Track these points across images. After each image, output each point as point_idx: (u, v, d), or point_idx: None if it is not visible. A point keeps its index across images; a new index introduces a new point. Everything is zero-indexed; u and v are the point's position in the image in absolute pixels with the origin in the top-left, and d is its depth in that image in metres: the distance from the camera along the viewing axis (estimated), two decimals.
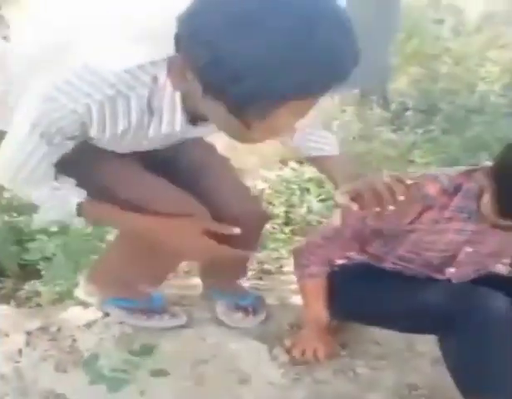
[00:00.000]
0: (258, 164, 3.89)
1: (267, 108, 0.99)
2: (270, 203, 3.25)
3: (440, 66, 6.21)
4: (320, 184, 3.47)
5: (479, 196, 1.57)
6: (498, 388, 1.53)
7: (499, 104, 4.67)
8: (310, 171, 3.66)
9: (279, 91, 0.95)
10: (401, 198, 1.41)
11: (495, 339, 1.52)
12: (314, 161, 1.80)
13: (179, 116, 1.31)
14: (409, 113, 4.76)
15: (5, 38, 1.53)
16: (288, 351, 1.96)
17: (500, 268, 2.00)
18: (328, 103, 5.06)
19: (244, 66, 0.93)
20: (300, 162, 3.93)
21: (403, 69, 6.36)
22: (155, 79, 1.25)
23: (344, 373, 1.92)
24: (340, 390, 1.85)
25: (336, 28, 0.96)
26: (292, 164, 3.82)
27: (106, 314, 2.07)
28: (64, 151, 1.40)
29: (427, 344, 1.95)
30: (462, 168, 1.68)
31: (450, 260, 1.75)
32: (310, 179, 3.53)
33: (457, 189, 1.60)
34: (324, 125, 4.38)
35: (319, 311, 1.92)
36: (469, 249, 1.70)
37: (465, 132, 4.17)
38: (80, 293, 2.10)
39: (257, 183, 3.46)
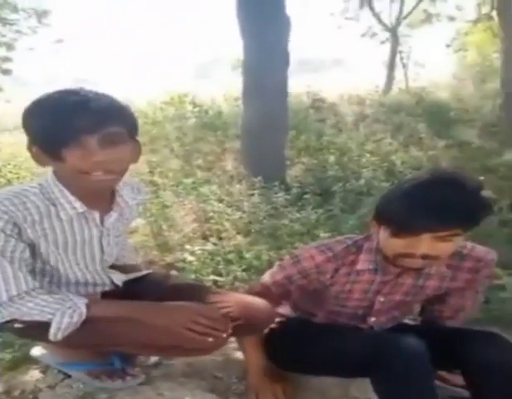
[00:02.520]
0: (182, 240, 3.93)
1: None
2: (199, 273, 3.26)
3: (327, 157, 6.56)
4: (240, 255, 3.53)
5: (378, 251, 1.78)
6: None
7: (382, 187, 4.97)
8: (229, 245, 3.75)
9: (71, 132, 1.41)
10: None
11: (413, 373, 1.59)
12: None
13: (73, 199, 1.59)
14: (307, 196, 4.95)
15: None
16: None
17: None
18: (237, 188, 5.23)
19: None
20: (220, 238, 4.02)
21: (297, 160, 6.69)
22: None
23: None
24: None
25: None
26: (213, 239, 3.89)
27: (67, 375, 1.99)
28: (22, 254, 1.55)
29: (360, 389, 2.00)
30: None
31: (369, 310, 1.91)
32: (230, 252, 3.58)
33: (360, 248, 1.83)
34: (237, 206, 4.55)
35: (257, 357, 1.99)
36: (381, 299, 1.88)
37: (358, 210, 4.41)
38: (37, 353, 2.01)
39: (186, 256, 3.46)
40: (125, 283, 1.93)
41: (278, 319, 2.04)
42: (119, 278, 1.91)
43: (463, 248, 1.83)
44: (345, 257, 1.81)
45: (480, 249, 1.86)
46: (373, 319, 1.94)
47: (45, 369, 2.04)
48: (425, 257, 1.62)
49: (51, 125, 1.41)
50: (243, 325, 1.72)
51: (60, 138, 1.42)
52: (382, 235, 1.69)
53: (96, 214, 1.67)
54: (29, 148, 1.52)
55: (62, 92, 1.47)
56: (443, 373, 2.00)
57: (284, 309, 2.08)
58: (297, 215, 4.42)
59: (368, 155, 6.47)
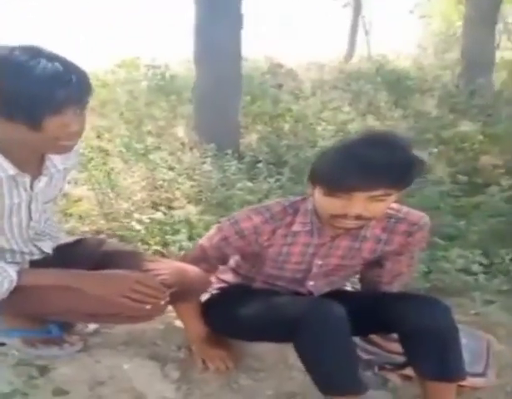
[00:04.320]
0: (130, 209, 3.94)
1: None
2: (146, 242, 3.30)
3: (282, 124, 6.62)
4: (190, 225, 3.58)
5: (313, 212, 1.86)
6: (335, 380, 1.68)
7: None
8: (178, 214, 3.79)
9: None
10: None
11: (333, 341, 1.67)
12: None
13: (4, 160, 1.57)
14: (260, 165, 5.00)
15: None
16: (204, 367, 2.06)
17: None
18: (188, 155, 5.25)
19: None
20: (169, 207, 4.06)
21: (251, 127, 6.72)
22: None
23: (230, 386, 2.01)
24: None
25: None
26: (163, 208, 3.92)
27: (1, 343, 2.02)
28: None
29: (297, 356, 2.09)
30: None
31: (307, 274, 2.00)
32: (180, 221, 3.63)
33: (296, 210, 1.90)
34: (188, 174, 4.57)
35: (197, 325, 2.08)
36: (319, 262, 1.97)
37: None
38: None
39: (133, 225, 3.49)
40: (57, 251, 1.96)
41: (218, 285, 2.13)
42: (48, 246, 1.93)
43: (398, 211, 1.91)
44: (282, 218, 1.88)
45: (415, 213, 1.95)
46: (311, 283, 2.02)
47: None
48: (358, 217, 1.69)
49: (32, 95, 1.37)
50: (178, 292, 1.78)
51: (43, 109, 1.41)
52: (317, 195, 1.75)
53: (27, 178, 1.66)
54: None
55: (25, 54, 1.40)
56: (379, 339, 2.12)
57: (226, 276, 2.16)
58: (249, 185, 4.48)
59: (324, 124, 6.55)
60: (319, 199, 1.74)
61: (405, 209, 1.94)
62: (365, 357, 2.13)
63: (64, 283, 1.65)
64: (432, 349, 1.76)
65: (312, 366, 1.73)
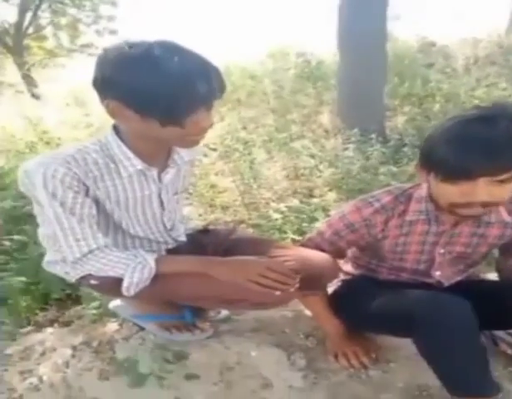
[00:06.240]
0: (272, 198, 4.00)
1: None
2: (284, 231, 3.32)
3: (432, 105, 6.33)
4: (326, 211, 3.55)
5: (428, 199, 1.70)
6: (462, 382, 1.56)
7: None
8: (315, 202, 3.77)
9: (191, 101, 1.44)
10: None
11: (456, 339, 1.53)
12: None
13: (133, 156, 1.66)
14: (406, 148, 4.83)
15: None
16: (336, 361, 2.01)
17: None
18: (332, 142, 5.21)
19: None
20: (311, 195, 4.06)
21: (399, 109, 6.51)
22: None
23: (358, 376, 1.95)
24: (355, 391, 1.88)
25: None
26: (304, 197, 3.93)
27: (141, 328, 2.15)
28: (90, 210, 1.63)
29: None
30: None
31: (431, 263, 1.86)
32: (316, 209, 3.61)
33: (409, 197, 1.74)
34: (330, 162, 4.54)
35: (330, 319, 2.02)
36: (441, 250, 1.81)
37: None
38: (114, 305, 2.19)
39: (271, 214, 3.53)
40: (190, 240, 2.03)
41: (342, 277, 2.08)
42: (182, 235, 2.01)
43: None
44: (394, 208, 1.75)
45: None
46: (438, 273, 1.88)
47: (122, 322, 2.22)
48: (484, 204, 1.51)
49: (171, 94, 1.41)
50: (305, 279, 1.71)
51: (181, 108, 1.45)
52: (433, 183, 1.58)
53: (154, 171, 1.74)
54: (109, 102, 1.48)
55: (163, 51, 1.41)
56: None
57: (347, 267, 2.10)
58: (393, 169, 4.35)
59: (477, 102, 6.16)
60: (436, 186, 1.57)
61: None
62: (509, 351, 1.98)
63: (196, 270, 1.68)
64: None
65: (432, 365, 1.62)
